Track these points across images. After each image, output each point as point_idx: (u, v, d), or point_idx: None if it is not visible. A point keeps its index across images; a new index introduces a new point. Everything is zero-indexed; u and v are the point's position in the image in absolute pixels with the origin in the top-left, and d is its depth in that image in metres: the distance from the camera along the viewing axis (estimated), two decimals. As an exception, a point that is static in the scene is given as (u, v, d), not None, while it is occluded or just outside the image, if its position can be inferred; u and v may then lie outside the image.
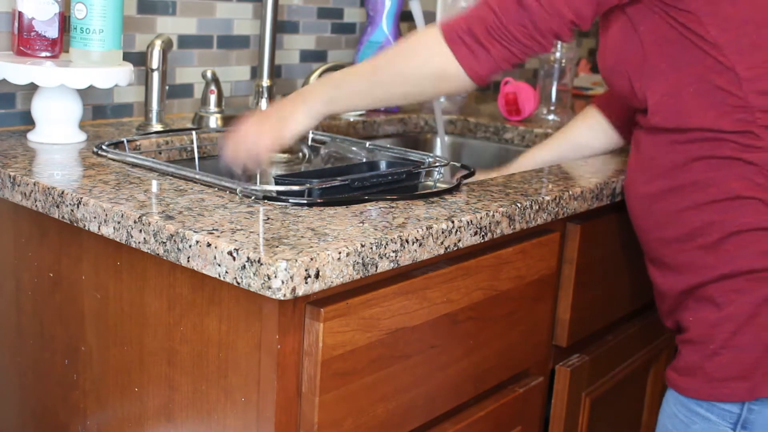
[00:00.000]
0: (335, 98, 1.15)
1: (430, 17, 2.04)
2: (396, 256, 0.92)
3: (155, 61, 1.38)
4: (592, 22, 1.12)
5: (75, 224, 0.99)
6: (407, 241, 0.93)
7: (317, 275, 0.83)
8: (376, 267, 0.90)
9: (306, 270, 0.82)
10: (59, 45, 1.28)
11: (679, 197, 1.13)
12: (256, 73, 1.65)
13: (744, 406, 1.11)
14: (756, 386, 1.09)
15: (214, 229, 0.88)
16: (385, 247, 0.90)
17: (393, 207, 1.02)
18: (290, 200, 0.99)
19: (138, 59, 1.46)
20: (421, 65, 1.12)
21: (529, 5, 1.07)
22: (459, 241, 1.00)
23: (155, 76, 1.38)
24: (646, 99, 1.14)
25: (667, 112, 1.12)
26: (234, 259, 0.83)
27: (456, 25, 1.10)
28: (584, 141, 1.42)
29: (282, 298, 0.81)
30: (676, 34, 1.09)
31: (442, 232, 0.97)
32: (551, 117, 1.89)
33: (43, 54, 1.26)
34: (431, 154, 1.27)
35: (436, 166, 1.20)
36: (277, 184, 1.03)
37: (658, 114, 1.12)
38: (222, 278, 0.85)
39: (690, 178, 1.11)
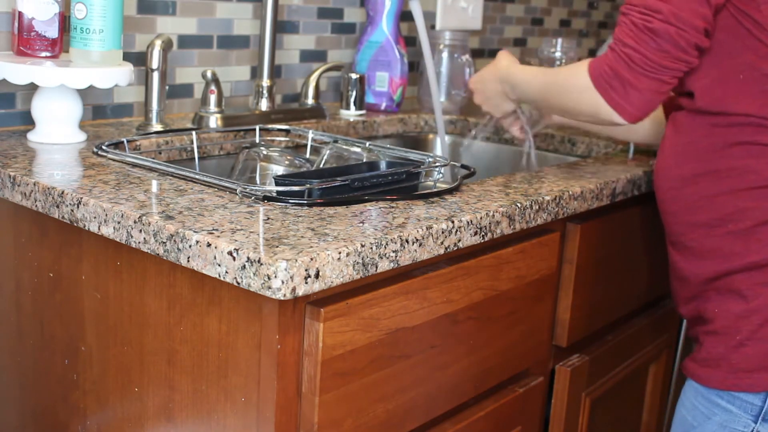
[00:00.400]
0: (523, 100, 1.41)
1: (430, 17, 2.04)
2: (396, 256, 0.92)
3: (155, 61, 1.38)
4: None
5: (75, 224, 0.99)
6: (407, 241, 0.93)
7: (317, 275, 0.83)
8: (376, 267, 0.90)
9: (306, 270, 0.82)
10: (59, 45, 1.28)
11: (714, 181, 1.13)
12: (256, 73, 1.65)
13: (767, 399, 1.11)
14: None
15: (214, 229, 0.88)
16: (385, 247, 0.90)
17: (393, 207, 1.02)
18: (290, 200, 0.99)
19: (138, 59, 1.46)
20: (575, 105, 1.21)
21: (663, 30, 1.08)
22: (459, 241, 1.00)
23: (155, 76, 1.38)
24: (692, 82, 1.14)
25: (714, 97, 1.13)
26: (234, 259, 0.83)
27: (602, 69, 1.14)
28: (642, 129, 1.41)
29: (282, 298, 0.81)
30: (734, 22, 1.10)
31: (442, 232, 0.97)
32: (551, 117, 1.88)
33: (43, 54, 1.26)
34: (431, 154, 1.27)
35: (436, 166, 1.20)
36: (277, 184, 1.03)
37: (704, 98, 1.13)
38: (222, 278, 0.85)
39: (728, 163, 1.12)
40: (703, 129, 1.14)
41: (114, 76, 1.26)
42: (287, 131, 1.50)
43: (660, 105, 1.21)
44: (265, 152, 1.35)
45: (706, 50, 1.12)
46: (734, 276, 1.12)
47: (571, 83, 1.20)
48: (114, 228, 0.95)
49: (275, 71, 1.65)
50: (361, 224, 0.94)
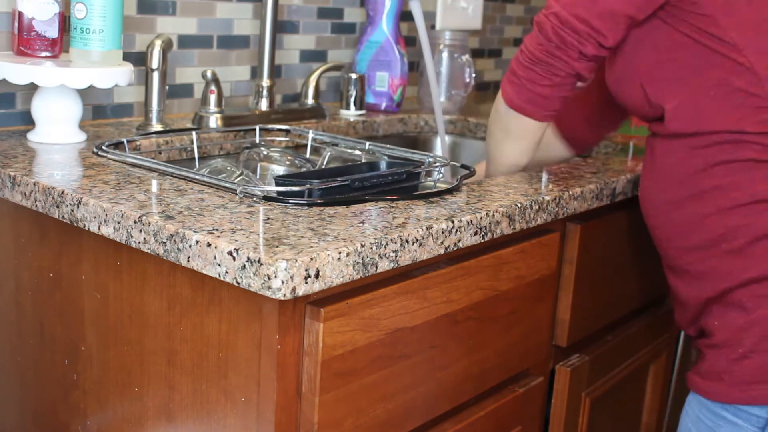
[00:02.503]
0: (490, 174, 1.33)
1: (430, 17, 2.04)
2: (396, 256, 0.92)
3: (155, 61, 1.38)
4: (616, 40, 1.12)
5: (75, 224, 0.99)
6: (407, 241, 0.93)
7: (317, 275, 0.83)
8: (376, 267, 0.90)
9: (306, 270, 0.82)
10: (59, 45, 1.28)
11: (700, 204, 1.12)
12: (256, 73, 1.65)
13: None
14: None
15: (214, 229, 0.88)
16: (385, 247, 0.90)
17: (393, 207, 1.02)
18: (290, 200, 0.99)
19: (138, 59, 1.46)
20: (499, 132, 1.26)
21: (543, 23, 1.14)
22: (459, 241, 1.00)
23: (155, 76, 1.38)
24: (661, 105, 1.13)
25: (686, 117, 1.11)
26: (234, 259, 0.83)
27: (505, 77, 1.21)
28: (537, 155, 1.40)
29: (282, 298, 0.81)
30: (690, 41, 1.09)
31: (442, 232, 0.97)
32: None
33: (43, 54, 1.26)
34: (431, 154, 1.27)
35: (436, 166, 1.20)
36: (277, 184, 1.03)
37: (676, 120, 1.12)
38: (222, 278, 0.85)
39: (711, 183, 1.10)
40: (682, 152, 1.13)
41: (114, 76, 1.26)
42: (287, 131, 1.50)
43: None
44: (265, 152, 1.35)
45: (595, 56, 1.13)
46: (734, 291, 1.11)
47: (491, 119, 1.29)
48: (114, 228, 0.95)
49: (275, 71, 1.65)
50: (361, 224, 0.94)
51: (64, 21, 1.29)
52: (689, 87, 1.11)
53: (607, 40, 1.11)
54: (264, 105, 1.59)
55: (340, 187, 1.04)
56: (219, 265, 0.85)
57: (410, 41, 1.96)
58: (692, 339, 1.23)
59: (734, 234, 1.10)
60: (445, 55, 1.91)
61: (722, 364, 1.13)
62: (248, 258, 0.82)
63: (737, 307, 1.11)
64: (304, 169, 1.33)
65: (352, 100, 1.74)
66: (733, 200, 1.09)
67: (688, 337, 1.25)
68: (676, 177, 1.14)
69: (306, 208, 0.99)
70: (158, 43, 1.37)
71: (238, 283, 0.83)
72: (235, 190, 1.02)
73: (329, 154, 1.34)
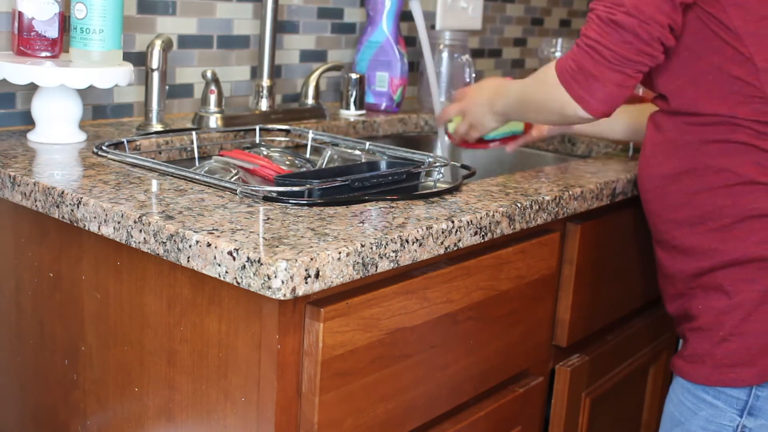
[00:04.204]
0: (506, 112, 1.31)
1: (430, 17, 2.04)
2: (396, 256, 0.92)
3: (155, 61, 1.38)
4: (681, 27, 1.12)
5: (75, 224, 0.99)
6: (407, 241, 0.93)
7: (317, 275, 0.83)
8: (376, 267, 0.90)
9: (306, 270, 0.82)
10: (59, 45, 1.28)
11: (693, 180, 1.15)
12: (256, 73, 1.65)
13: (751, 393, 1.12)
14: (764, 371, 1.11)
15: (214, 229, 0.88)
16: (385, 247, 0.90)
17: (393, 207, 1.02)
18: (290, 200, 0.99)
19: (138, 59, 1.46)
20: (544, 103, 1.19)
21: (626, 22, 1.08)
22: (459, 241, 1.00)
23: (155, 76, 1.38)
24: (664, 84, 1.16)
25: (685, 98, 1.14)
26: (234, 259, 0.83)
27: (567, 64, 1.14)
28: (617, 125, 1.42)
29: (282, 298, 0.81)
30: (701, 25, 1.11)
31: (442, 232, 0.97)
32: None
33: (43, 54, 1.26)
34: (431, 154, 1.27)
35: (436, 166, 1.20)
36: (277, 184, 1.03)
37: (677, 100, 1.15)
38: (222, 278, 0.85)
39: (705, 161, 1.14)
40: (680, 129, 1.16)
41: (114, 76, 1.26)
42: (287, 131, 1.50)
43: (625, 102, 1.20)
44: (266, 152, 1.35)
45: (671, 48, 1.12)
46: (716, 272, 1.14)
47: (541, 80, 1.20)
48: (114, 228, 0.95)
49: (275, 71, 1.65)
50: (361, 224, 0.94)
51: (64, 21, 1.29)
52: (691, 70, 1.13)
53: (678, 27, 1.11)
54: (264, 105, 1.59)
55: (340, 187, 1.04)
56: (219, 265, 0.85)
57: (410, 41, 1.96)
58: (675, 324, 1.25)
59: (720, 213, 1.13)
60: (445, 55, 1.91)
61: (704, 347, 1.15)
62: (248, 258, 0.82)
63: (720, 291, 1.14)
64: (304, 169, 1.33)
65: (352, 100, 1.74)
66: (723, 179, 1.12)
67: (675, 329, 1.27)
68: (674, 151, 1.17)
69: (306, 208, 0.99)
70: (158, 43, 1.37)
71: (238, 283, 0.83)
72: (235, 190, 1.02)
73: (329, 154, 1.34)
